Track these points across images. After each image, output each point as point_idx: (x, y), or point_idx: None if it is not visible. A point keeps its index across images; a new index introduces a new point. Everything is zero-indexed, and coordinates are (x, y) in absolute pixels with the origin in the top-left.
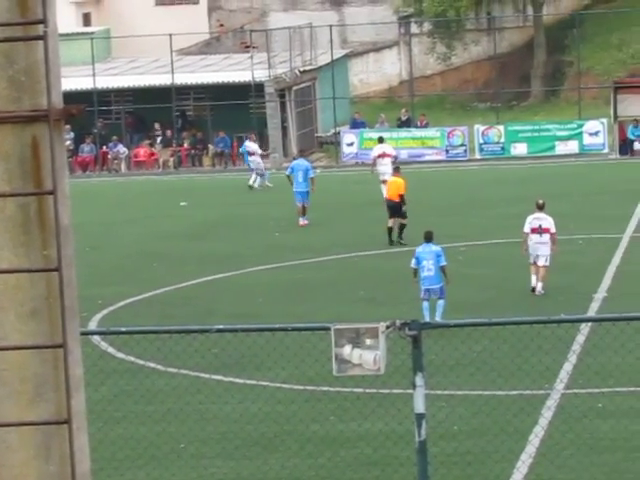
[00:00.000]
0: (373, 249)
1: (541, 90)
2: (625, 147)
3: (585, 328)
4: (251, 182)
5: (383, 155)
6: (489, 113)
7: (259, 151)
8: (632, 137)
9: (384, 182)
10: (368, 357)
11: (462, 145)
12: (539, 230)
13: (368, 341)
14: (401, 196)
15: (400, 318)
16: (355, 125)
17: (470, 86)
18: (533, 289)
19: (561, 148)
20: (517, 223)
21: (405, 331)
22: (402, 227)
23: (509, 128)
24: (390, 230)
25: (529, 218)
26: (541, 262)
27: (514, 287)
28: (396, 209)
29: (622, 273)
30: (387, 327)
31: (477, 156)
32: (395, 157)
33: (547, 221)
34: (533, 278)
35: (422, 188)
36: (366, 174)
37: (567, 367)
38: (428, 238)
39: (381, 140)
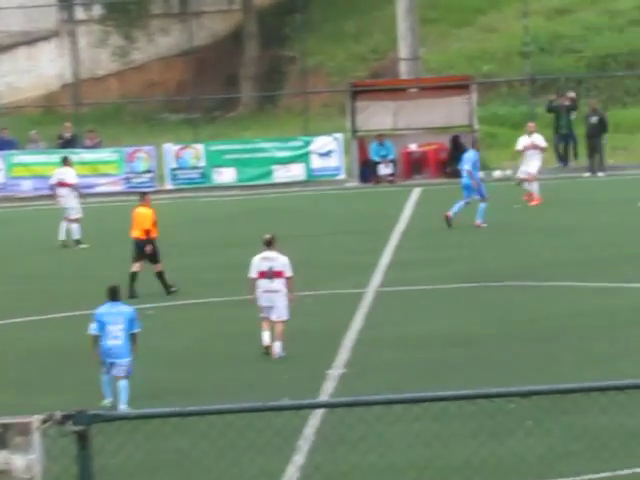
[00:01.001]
0: (29, 314)
1: (253, 96)
2: (367, 171)
3: (314, 417)
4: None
5: (61, 183)
6: (184, 128)
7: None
8: (376, 158)
9: (69, 220)
10: (17, 462)
11: (148, 172)
12: (269, 274)
13: (17, 441)
14: (147, 232)
15: (62, 409)
16: (1, 146)
17: (158, 91)
18: (267, 349)
19: (281, 174)
20: (221, 277)
21: (69, 426)
22: (160, 276)
23: (211, 148)
24: (133, 276)
25: (255, 259)
26: (275, 315)
27: (217, 362)
28: (144, 249)
29: (365, 341)
30: (44, 421)
31: (168, 186)
32: (76, 186)
33: (279, 262)
34: (265, 335)
35: (93, 231)
36: (18, 212)
37: (290, 470)
38: (114, 295)
39: (65, 161)
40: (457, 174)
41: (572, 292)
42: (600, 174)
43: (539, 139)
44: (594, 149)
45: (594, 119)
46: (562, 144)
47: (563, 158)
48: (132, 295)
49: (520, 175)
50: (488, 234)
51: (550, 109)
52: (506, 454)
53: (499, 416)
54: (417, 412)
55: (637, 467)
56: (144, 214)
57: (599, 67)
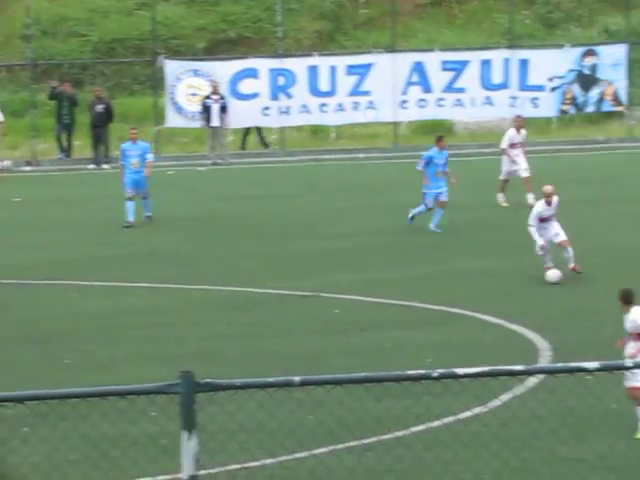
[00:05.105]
0: None
1: None
2: None
3: None
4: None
5: None
6: None
7: None
8: None
9: None
10: None
11: None
12: None
13: None
14: None
15: None
16: None
17: None
18: None
19: None
20: None
21: None
22: None
23: None
24: None
25: None
26: None
27: None
28: None
29: None
30: None
31: None
32: None
33: None
34: None
35: None
36: None
37: None
38: None
39: None
40: None
41: (74, 291)
42: (105, 166)
43: None
44: (99, 139)
45: (100, 107)
46: (65, 134)
47: (65, 149)
48: None
49: None
50: None
51: (52, 96)
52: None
53: None
54: None
55: (140, 477)
56: None
57: (106, 52)
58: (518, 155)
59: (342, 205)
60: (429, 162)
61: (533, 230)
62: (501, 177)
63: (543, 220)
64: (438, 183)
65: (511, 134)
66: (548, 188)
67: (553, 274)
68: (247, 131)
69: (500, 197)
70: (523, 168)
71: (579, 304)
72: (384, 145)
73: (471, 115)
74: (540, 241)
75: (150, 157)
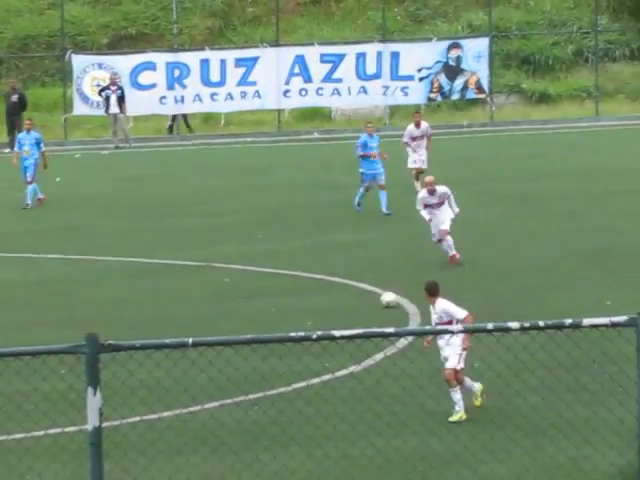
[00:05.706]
0: None
1: None
2: None
3: None
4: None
5: None
6: None
7: None
8: None
9: None
10: None
11: None
12: None
13: None
14: None
15: None
16: None
17: None
18: None
19: None
20: None
21: None
22: None
23: None
24: None
25: None
26: None
27: None
28: None
29: None
30: None
31: None
32: None
33: None
34: None
35: None
36: None
37: None
38: None
39: None
40: None
41: None
42: None
43: None
44: (14, 126)
45: (14, 97)
46: None
47: None
48: None
49: None
50: None
51: None
52: None
53: None
54: None
55: (50, 428)
56: None
57: (19, 48)
58: (419, 147)
59: (231, 185)
60: (364, 147)
61: (422, 212)
62: (409, 166)
63: (429, 206)
64: (374, 165)
65: (410, 129)
66: (429, 178)
67: (388, 296)
68: (173, 118)
69: (417, 185)
70: (419, 159)
71: (445, 274)
72: (269, 130)
73: (347, 103)
74: (427, 216)
75: (42, 146)
